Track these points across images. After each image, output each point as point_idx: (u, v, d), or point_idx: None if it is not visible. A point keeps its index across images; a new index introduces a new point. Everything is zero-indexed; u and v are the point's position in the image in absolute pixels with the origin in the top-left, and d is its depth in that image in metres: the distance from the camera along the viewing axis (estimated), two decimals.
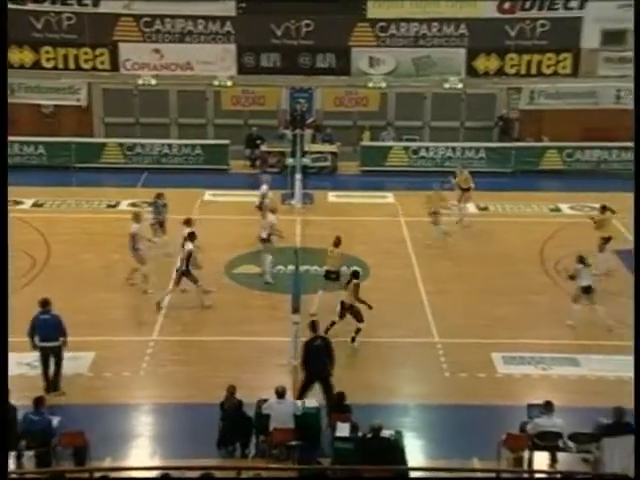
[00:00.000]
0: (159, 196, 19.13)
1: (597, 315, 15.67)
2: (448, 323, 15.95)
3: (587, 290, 15.60)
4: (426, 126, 27.22)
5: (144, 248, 16.98)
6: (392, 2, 25.86)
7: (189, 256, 16.23)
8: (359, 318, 15.02)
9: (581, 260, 15.73)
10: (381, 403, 13.25)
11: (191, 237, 16.51)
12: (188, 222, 17.20)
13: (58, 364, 13.51)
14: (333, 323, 15.01)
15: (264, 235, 17.86)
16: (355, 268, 16.72)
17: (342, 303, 15.10)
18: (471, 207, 22.42)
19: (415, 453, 11.94)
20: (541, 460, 11.55)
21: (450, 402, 13.50)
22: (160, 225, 18.76)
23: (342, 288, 15.60)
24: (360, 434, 11.46)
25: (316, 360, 12.96)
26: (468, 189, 21.14)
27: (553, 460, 11.56)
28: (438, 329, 15.75)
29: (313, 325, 13.37)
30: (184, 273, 16.24)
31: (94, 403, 13.22)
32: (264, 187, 20.08)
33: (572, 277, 15.77)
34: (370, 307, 15.12)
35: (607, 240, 17.56)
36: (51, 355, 13.41)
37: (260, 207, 19.35)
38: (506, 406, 13.11)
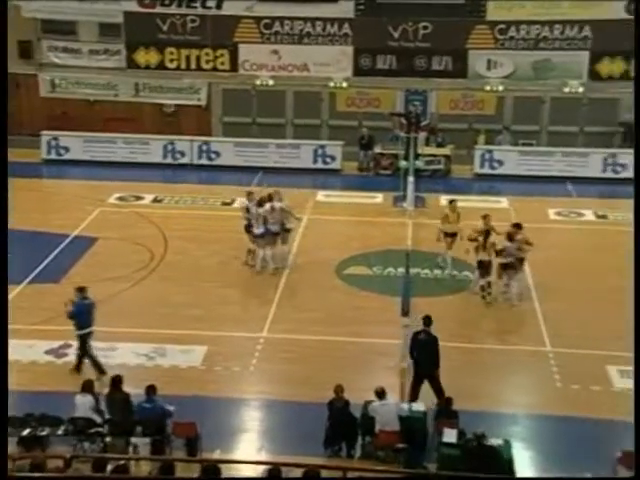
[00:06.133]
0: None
1: None
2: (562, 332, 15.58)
3: None
4: (543, 131, 26.62)
5: None
6: (514, 2, 25.39)
7: None
8: None
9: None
10: (489, 410, 13.04)
11: None
12: None
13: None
14: None
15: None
16: None
17: None
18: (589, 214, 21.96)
19: (523, 464, 11.68)
20: None
21: (561, 414, 13.15)
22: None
23: None
24: (466, 440, 11.32)
25: (419, 354, 12.97)
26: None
27: None
28: (550, 338, 15.39)
29: (425, 319, 13.32)
30: None
31: (205, 395, 13.54)
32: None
33: None
34: None
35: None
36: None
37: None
38: (622, 422, 12.64)
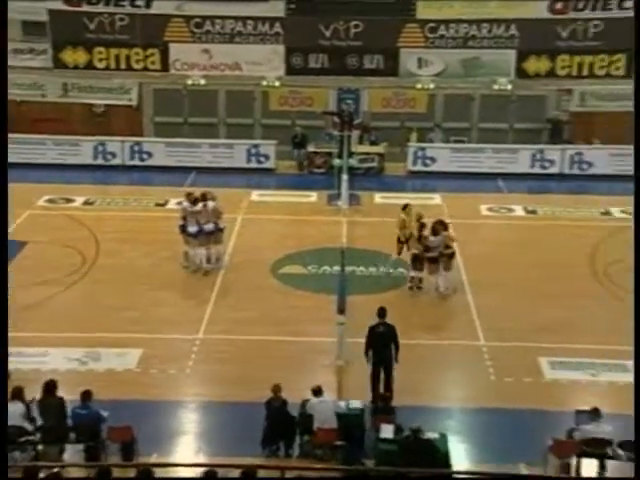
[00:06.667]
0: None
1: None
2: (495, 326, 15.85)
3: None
4: (474, 128, 27.03)
5: None
6: (442, 2, 25.75)
7: None
8: None
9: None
10: (426, 405, 13.18)
11: None
12: None
13: None
14: None
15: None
16: None
17: None
18: (519, 210, 22.44)
19: (459, 457, 11.84)
20: (589, 467, 11.37)
21: (496, 406, 13.37)
22: None
23: None
24: (403, 435, 11.42)
25: (379, 347, 13.12)
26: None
27: (602, 468, 11.38)
28: (484, 332, 15.64)
29: (380, 311, 13.45)
30: None
31: (141, 399, 13.37)
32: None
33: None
34: None
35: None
36: None
37: None
38: (553, 412, 12.95)
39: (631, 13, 25.30)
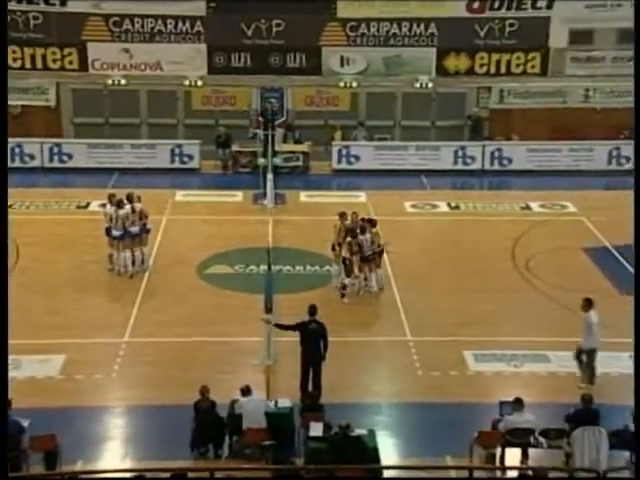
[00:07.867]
0: None
1: None
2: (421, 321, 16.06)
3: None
4: (397, 125, 27.32)
5: None
6: (362, 2, 25.96)
7: None
8: None
9: None
10: (354, 402, 13.27)
11: None
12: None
13: None
14: None
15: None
16: None
17: None
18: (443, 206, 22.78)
19: (388, 452, 11.96)
20: (513, 456, 11.64)
21: (422, 400, 13.56)
22: None
23: None
24: (332, 433, 11.48)
25: (311, 344, 13.20)
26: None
27: (525, 456, 11.66)
28: (410, 327, 15.83)
29: (311, 308, 13.50)
30: None
31: (65, 406, 13.10)
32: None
33: None
34: None
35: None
36: None
37: None
38: (478, 404, 13.21)
39: (544, 13, 26.08)
